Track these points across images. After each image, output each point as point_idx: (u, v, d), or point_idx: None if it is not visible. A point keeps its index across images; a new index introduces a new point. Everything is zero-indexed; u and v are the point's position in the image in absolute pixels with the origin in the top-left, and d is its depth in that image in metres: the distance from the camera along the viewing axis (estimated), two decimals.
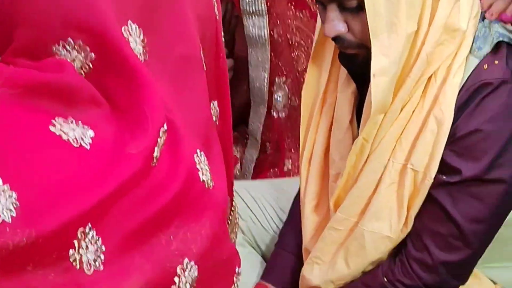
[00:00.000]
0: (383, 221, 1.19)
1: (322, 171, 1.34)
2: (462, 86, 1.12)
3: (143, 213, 0.81)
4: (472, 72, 1.12)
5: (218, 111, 1.03)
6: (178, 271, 0.83)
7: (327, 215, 1.32)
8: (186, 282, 0.84)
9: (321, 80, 1.30)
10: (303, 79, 1.57)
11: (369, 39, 1.08)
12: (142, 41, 0.84)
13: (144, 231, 0.81)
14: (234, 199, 1.16)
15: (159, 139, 0.81)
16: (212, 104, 1.01)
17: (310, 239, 1.33)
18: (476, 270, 1.23)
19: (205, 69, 0.95)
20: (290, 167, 1.76)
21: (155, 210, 0.82)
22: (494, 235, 1.18)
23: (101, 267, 0.76)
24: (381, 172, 1.18)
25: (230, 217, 1.09)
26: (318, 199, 1.35)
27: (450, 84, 1.12)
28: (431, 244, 1.17)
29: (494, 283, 1.27)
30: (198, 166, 0.89)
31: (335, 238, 1.26)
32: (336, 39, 1.14)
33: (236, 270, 1.00)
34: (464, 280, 1.21)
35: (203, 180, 0.89)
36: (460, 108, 1.12)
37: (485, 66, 1.12)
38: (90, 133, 0.78)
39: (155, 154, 0.81)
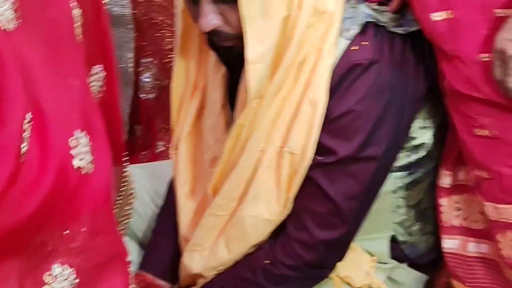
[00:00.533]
0: (262, 204, 1.19)
1: (193, 156, 1.32)
2: (334, 68, 1.13)
3: (15, 218, 0.74)
4: (342, 53, 1.13)
5: (104, 76, 0.95)
6: (47, 278, 0.77)
7: (204, 201, 1.30)
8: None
9: (190, 69, 1.29)
10: (170, 59, 1.54)
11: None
12: (13, 3, 0.76)
13: (18, 236, 0.75)
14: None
15: (24, 133, 0.74)
16: (94, 69, 0.93)
17: (188, 226, 1.31)
18: (353, 244, 1.26)
19: (80, 36, 0.87)
20: (162, 148, 1.73)
21: (27, 214, 0.75)
22: (368, 210, 1.21)
23: None
24: (259, 156, 1.18)
25: (122, 191, 1.03)
26: (192, 184, 1.33)
27: (321, 67, 1.13)
28: (310, 223, 1.18)
29: (372, 255, 1.31)
30: (73, 152, 0.81)
31: (215, 224, 1.25)
32: (212, 33, 1.12)
33: (127, 259, 0.94)
34: (341, 256, 1.23)
35: (79, 167, 0.82)
36: (333, 90, 1.13)
37: (355, 47, 1.13)
38: None
39: (22, 150, 0.74)
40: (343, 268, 1.28)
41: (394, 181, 1.25)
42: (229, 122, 1.27)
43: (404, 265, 1.36)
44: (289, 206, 1.18)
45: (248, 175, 1.20)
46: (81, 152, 0.82)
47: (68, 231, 0.80)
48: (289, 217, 1.20)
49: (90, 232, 0.82)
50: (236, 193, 1.22)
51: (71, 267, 0.79)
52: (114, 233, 0.91)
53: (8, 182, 0.71)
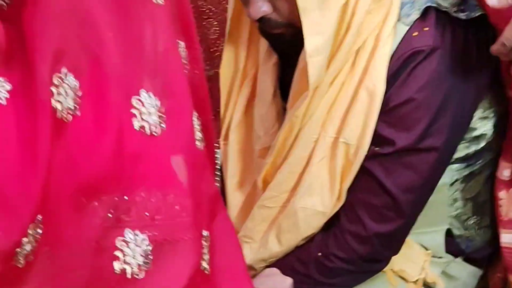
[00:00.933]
0: (315, 196, 1.16)
1: (243, 147, 1.30)
2: (393, 55, 1.10)
3: (77, 180, 0.65)
4: (401, 40, 1.10)
5: (186, 54, 0.84)
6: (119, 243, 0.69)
7: (253, 192, 1.28)
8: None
9: (239, 56, 1.27)
10: (216, 47, 1.52)
11: (297, 17, 1.03)
12: None
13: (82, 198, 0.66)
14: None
15: (53, 88, 0.64)
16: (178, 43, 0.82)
17: (236, 218, 1.29)
18: (408, 238, 1.23)
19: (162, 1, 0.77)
20: None
21: (90, 175, 0.66)
22: (425, 203, 1.18)
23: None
24: (312, 147, 1.15)
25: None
26: (241, 176, 1.31)
27: (379, 54, 1.10)
28: (364, 216, 1.15)
29: (427, 249, 1.28)
30: (134, 111, 0.70)
31: (266, 216, 1.22)
32: (261, 20, 1.09)
33: (202, 235, 0.81)
34: (396, 250, 1.21)
35: (141, 127, 0.70)
36: (392, 78, 1.09)
37: (415, 33, 1.10)
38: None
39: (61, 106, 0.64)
40: (397, 262, 1.25)
41: (452, 173, 1.21)
42: (280, 112, 1.25)
43: (459, 260, 1.32)
44: (343, 198, 1.15)
45: (300, 167, 1.17)
46: (145, 112, 0.72)
47: (137, 196, 0.72)
48: (343, 209, 1.17)
49: (163, 200, 0.75)
50: (288, 185, 1.19)
51: (143, 233, 0.70)
52: (192, 206, 0.76)
53: (52, 139, 0.63)
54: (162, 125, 0.72)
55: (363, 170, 1.13)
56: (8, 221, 0.58)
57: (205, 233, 0.77)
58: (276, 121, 1.24)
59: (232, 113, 1.30)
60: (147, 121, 0.71)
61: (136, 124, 0.71)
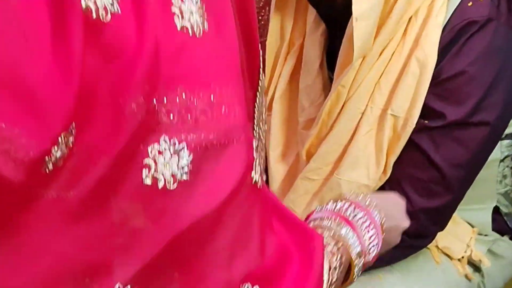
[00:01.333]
0: (360, 169, 1.14)
1: (287, 118, 1.28)
2: (446, 25, 1.06)
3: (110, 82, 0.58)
4: (455, 10, 1.06)
5: None
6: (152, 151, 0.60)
7: (296, 164, 1.26)
8: None
9: (286, 26, 1.24)
10: (261, 16, 1.50)
11: None
12: None
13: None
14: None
15: None
16: None
17: (279, 190, 1.27)
18: (454, 215, 1.20)
19: None
20: None
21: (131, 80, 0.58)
22: (474, 179, 1.15)
23: None
24: (359, 119, 1.13)
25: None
26: (284, 147, 1.29)
27: (432, 24, 1.06)
28: (410, 191, 1.13)
29: (473, 226, 1.25)
30: (175, 10, 0.61)
31: (309, 188, 1.20)
32: None
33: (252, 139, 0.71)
34: (443, 226, 1.18)
35: (183, 27, 0.62)
36: (444, 49, 1.06)
37: (470, 3, 1.06)
38: None
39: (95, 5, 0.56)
40: (442, 238, 1.23)
41: (502, 149, 1.18)
42: (326, 83, 1.22)
43: (506, 238, 1.30)
44: (389, 171, 1.13)
45: (346, 139, 1.15)
46: (188, 10, 0.63)
47: (178, 97, 0.60)
48: (388, 183, 1.14)
49: (208, 101, 0.62)
50: (332, 157, 1.17)
51: (181, 142, 0.61)
52: (241, 108, 0.68)
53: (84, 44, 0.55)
54: (205, 26, 0.66)
55: (411, 144, 1.10)
56: (39, 129, 0.53)
57: (255, 143, 0.69)
58: (322, 92, 1.21)
59: (276, 84, 1.28)
60: (189, 21, 0.65)
61: (178, 24, 0.63)
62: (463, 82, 1.06)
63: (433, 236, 1.18)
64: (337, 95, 1.12)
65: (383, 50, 1.08)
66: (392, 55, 1.09)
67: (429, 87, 1.07)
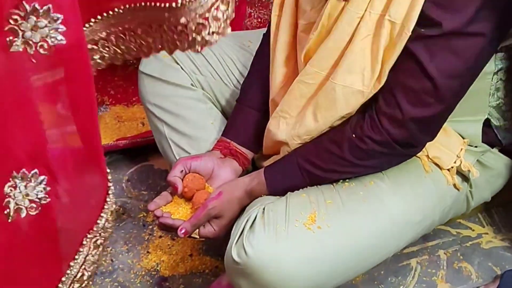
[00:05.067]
0: (356, 74, 1.15)
1: (293, 20, 1.28)
2: None
3: None
4: None
5: None
6: None
7: (295, 68, 1.27)
8: None
9: None
10: None
11: None
12: None
13: None
14: None
15: None
16: None
17: (278, 89, 1.29)
18: (445, 126, 1.22)
19: None
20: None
21: None
22: (467, 91, 1.16)
23: None
24: (357, 23, 1.13)
25: None
26: (288, 51, 1.29)
27: None
28: (402, 100, 1.14)
29: (463, 138, 1.27)
30: None
31: (304, 92, 1.22)
32: None
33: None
34: (433, 135, 1.20)
35: None
36: None
37: None
38: None
39: None
40: (432, 148, 1.25)
41: (496, 61, 1.18)
42: None
43: (495, 150, 1.32)
44: (383, 79, 1.14)
45: (343, 43, 1.15)
46: None
47: None
48: (381, 91, 1.15)
49: None
50: (329, 61, 1.17)
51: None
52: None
53: None
54: None
55: (406, 52, 1.11)
56: None
57: None
58: None
59: None
60: None
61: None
62: None
63: (422, 146, 1.20)
64: None
65: None
66: None
67: None
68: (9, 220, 0.79)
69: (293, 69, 1.26)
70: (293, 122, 1.23)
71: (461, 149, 1.26)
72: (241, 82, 1.42)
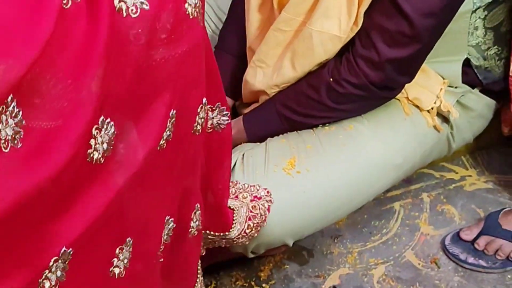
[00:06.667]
0: (332, 19, 1.13)
1: None
2: None
3: None
4: None
5: None
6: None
7: (271, 14, 1.25)
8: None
9: None
10: None
11: None
12: None
13: None
14: None
15: None
16: None
17: (254, 37, 1.27)
18: (425, 66, 1.21)
19: None
20: None
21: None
22: (444, 30, 1.14)
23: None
24: None
25: None
26: None
27: None
28: (378, 41, 1.12)
29: (443, 78, 1.26)
30: None
31: (281, 40, 1.20)
32: None
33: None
34: (411, 76, 1.18)
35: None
36: None
37: None
38: None
39: None
40: (411, 89, 1.24)
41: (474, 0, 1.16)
42: None
43: (476, 91, 1.31)
44: (360, 22, 1.12)
45: None
46: None
47: None
48: (358, 33, 1.14)
49: None
50: (304, 7, 1.16)
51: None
52: None
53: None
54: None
55: None
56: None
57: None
58: None
59: None
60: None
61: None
62: None
63: (400, 88, 1.19)
64: None
65: None
66: None
67: None
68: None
69: (268, 16, 1.24)
70: (270, 72, 1.22)
71: (441, 89, 1.25)
72: (220, 28, 1.40)
